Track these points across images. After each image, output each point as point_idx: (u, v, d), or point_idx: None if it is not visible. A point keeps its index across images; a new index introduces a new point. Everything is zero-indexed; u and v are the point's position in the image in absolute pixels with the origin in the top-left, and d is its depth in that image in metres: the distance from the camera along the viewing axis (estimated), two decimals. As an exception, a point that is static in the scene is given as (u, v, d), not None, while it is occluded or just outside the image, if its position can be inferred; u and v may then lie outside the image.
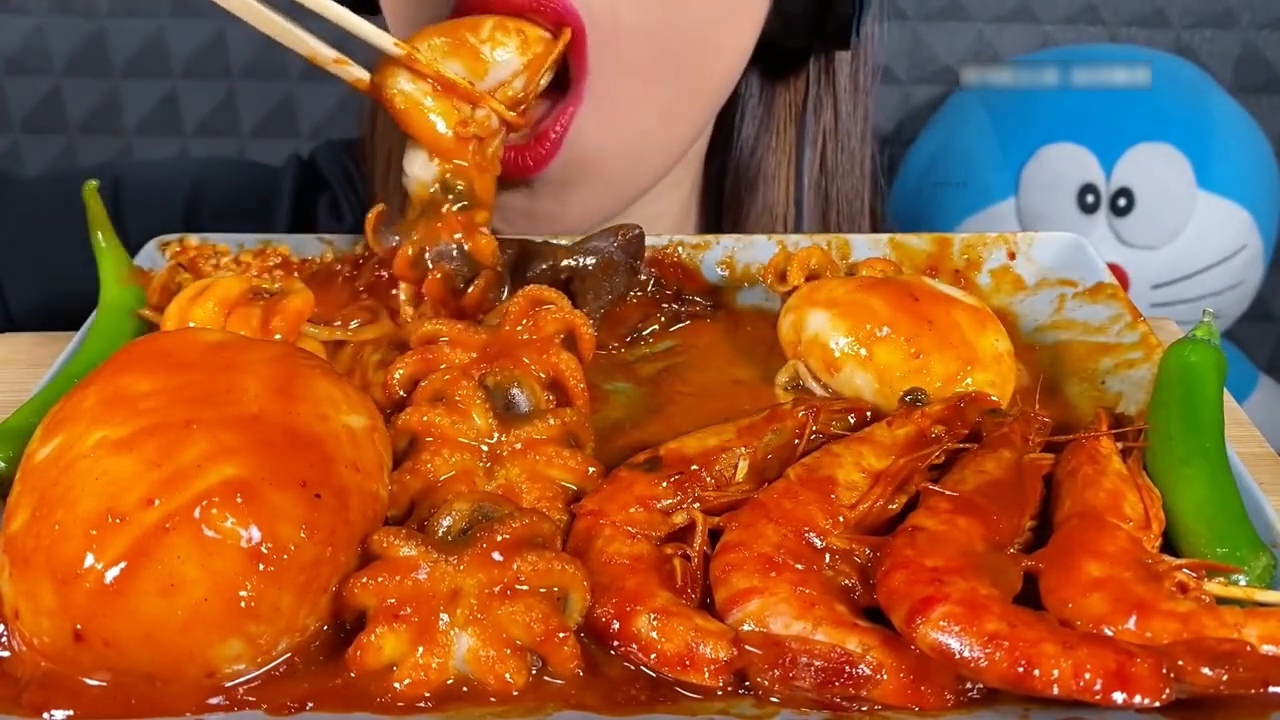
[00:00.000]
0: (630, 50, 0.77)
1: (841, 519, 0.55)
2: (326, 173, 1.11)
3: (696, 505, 0.56)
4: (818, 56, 0.95)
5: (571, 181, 0.80)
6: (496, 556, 0.49)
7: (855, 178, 1.01)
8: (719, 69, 0.86)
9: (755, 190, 0.99)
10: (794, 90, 0.97)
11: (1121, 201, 1.64)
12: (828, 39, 0.89)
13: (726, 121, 0.98)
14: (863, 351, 0.66)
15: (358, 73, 0.73)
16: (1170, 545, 0.55)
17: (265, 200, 1.08)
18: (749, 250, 0.80)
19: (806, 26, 0.87)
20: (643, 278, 0.78)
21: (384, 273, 0.77)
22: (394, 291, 0.74)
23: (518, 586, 0.49)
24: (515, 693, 0.48)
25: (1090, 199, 1.65)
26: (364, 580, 0.49)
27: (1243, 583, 0.51)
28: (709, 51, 0.83)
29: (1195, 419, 0.59)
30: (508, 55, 0.72)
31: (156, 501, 0.47)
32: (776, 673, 0.48)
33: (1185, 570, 0.51)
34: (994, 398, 0.64)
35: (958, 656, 0.46)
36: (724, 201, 1.01)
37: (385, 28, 0.90)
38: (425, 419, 0.59)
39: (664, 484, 0.57)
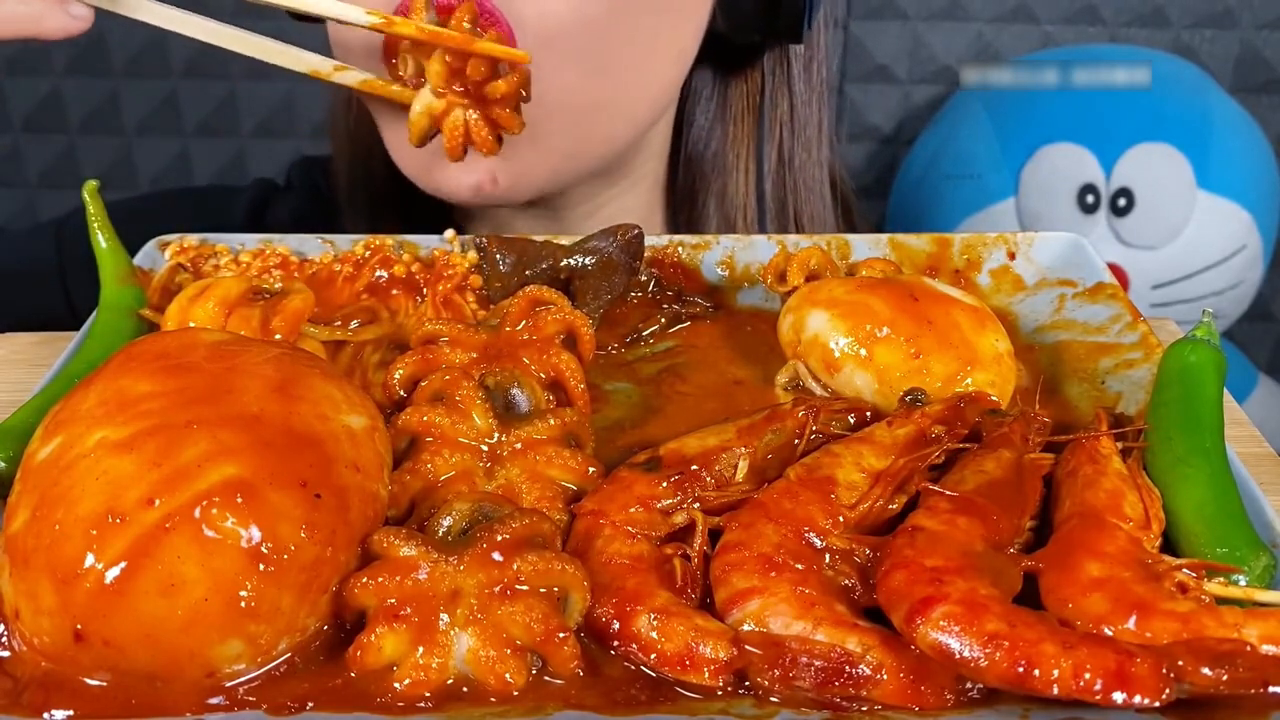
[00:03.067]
0: (565, 44, 0.79)
1: (841, 519, 0.55)
2: (296, 186, 1.12)
3: (696, 505, 0.56)
4: (771, 51, 0.97)
5: (510, 142, 0.81)
6: (496, 556, 0.49)
7: (814, 167, 1.02)
8: (657, 67, 0.87)
9: (711, 182, 1.00)
10: (749, 83, 0.99)
11: (1121, 201, 1.64)
12: (779, 34, 0.90)
13: (681, 117, 0.99)
14: (863, 351, 0.66)
15: (359, 75, 0.77)
16: (1170, 545, 0.55)
17: (219, 222, 1.09)
18: (749, 250, 0.80)
19: (757, 23, 0.89)
20: (643, 278, 0.78)
21: (384, 273, 0.77)
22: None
23: (518, 586, 0.49)
24: (515, 693, 0.48)
25: (1090, 199, 1.65)
26: (364, 580, 0.49)
27: (1243, 583, 0.51)
28: (646, 49, 0.85)
29: (1195, 419, 0.59)
30: None
31: (157, 501, 0.47)
32: (776, 673, 0.48)
33: (1185, 570, 0.51)
34: (994, 398, 0.64)
35: (958, 656, 0.46)
36: (678, 194, 1.02)
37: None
38: (425, 419, 0.59)
39: (664, 484, 0.57)
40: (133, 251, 0.77)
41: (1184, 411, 0.59)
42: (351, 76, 0.79)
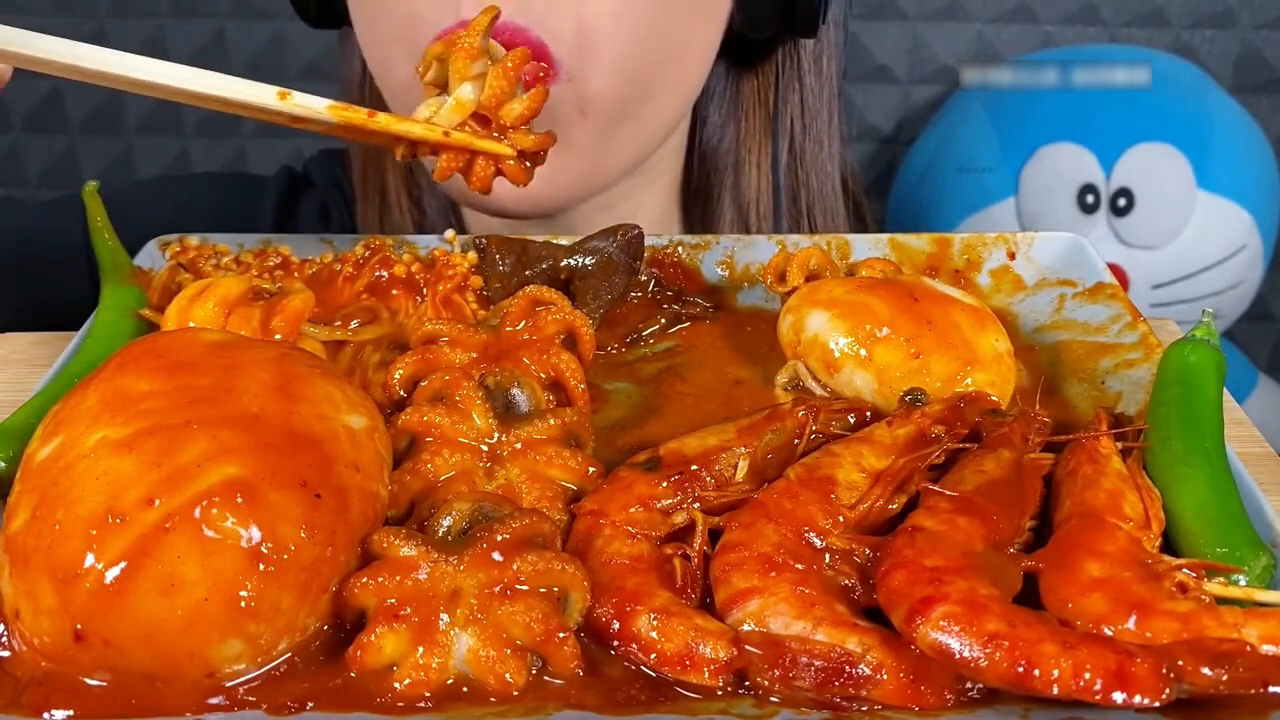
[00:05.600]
0: (604, 54, 0.79)
1: (841, 519, 0.55)
2: (316, 179, 1.12)
3: (696, 505, 0.56)
4: (783, 45, 0.98)
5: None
6: (496, 556, 0.49)
7: (826, 160, 1.03)
8: (688, 70, 0.89)
9: (725, 176, 1.01)
10: (761, 78, 1.00)
11: (1121, 201, 1.64)
12: (796, 29, 0.91)
13: (694, 114, 1.00)
14: (863, 352, 0.66)
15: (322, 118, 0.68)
16: (1170, 545, 0.55)
17: (249, 211, 1.09)
18: (749, 250, 0.80)
19: (774, 19, 0.90)
20: (643, 278, 0.78)
21: (384, 273, 0.77)
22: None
23: (518, 586, 0.49)
24: (515, 693, 0.48)
25: (1090, 199, 1.65)
26: (364, 580, 0.49)
27: (1243, 583, 0.51)
28: (679, 53, 0.86)
29: (1195, 419, 0.59)
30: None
31: (157, 501, 0.47)
32: (776, 672, 0.48)
33: (1185, 570, 0.51)
34: (994, 398, 0.64)
35: (958, 656, 0.46)
36: (692, 190, 1.03)
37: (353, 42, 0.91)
38: (425, 419, 0.59)
39: (664, 484, 0.57)
40: (133, 251, 0.77)
41: (1184, 411, 0.59)
42: (316, 126, 0.69)
